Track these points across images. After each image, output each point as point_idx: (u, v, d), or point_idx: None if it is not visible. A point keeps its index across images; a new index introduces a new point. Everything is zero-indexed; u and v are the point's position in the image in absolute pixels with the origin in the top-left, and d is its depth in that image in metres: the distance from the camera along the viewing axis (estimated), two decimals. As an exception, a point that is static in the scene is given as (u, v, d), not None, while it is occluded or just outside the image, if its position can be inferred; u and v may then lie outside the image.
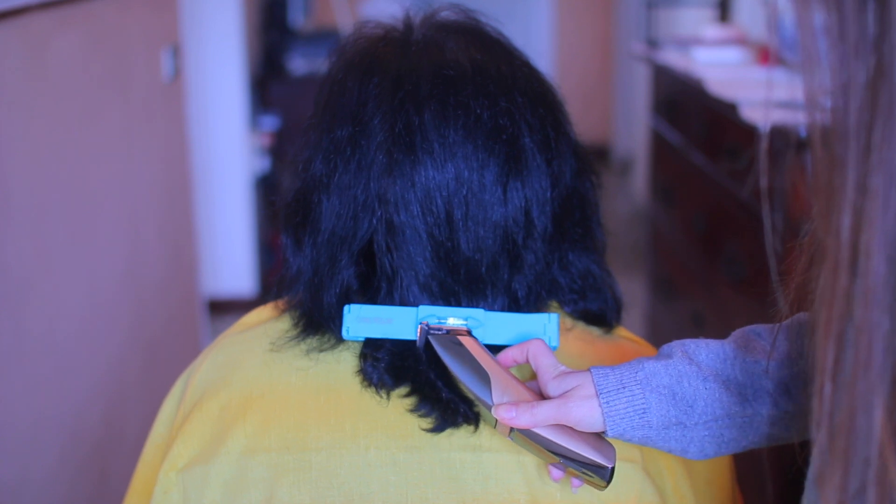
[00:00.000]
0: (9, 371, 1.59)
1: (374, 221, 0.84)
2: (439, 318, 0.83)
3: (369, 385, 0.84)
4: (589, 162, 0.91)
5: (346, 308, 0.84)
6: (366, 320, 0.84)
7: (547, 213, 0.86)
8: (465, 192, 0.83)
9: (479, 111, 0.83)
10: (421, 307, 0.83)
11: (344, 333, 0.84)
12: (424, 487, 0.81)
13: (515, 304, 0.86)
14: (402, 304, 0.84)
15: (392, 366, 0.84)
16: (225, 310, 3.72)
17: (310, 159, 0.88)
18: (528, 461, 0.82)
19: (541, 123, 0.86)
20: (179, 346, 2.62)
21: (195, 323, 2.80)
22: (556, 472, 0.80)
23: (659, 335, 2.95)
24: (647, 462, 0.85)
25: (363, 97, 0.85)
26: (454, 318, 0.83)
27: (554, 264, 0.88)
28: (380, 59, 0.87)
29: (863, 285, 0.54)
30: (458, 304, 0.84)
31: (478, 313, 0.83)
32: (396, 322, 0.83)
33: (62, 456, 1.80)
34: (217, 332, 3.24)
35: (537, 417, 0.76)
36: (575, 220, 0.90)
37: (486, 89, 0.84)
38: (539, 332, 0.84)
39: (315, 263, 0.87)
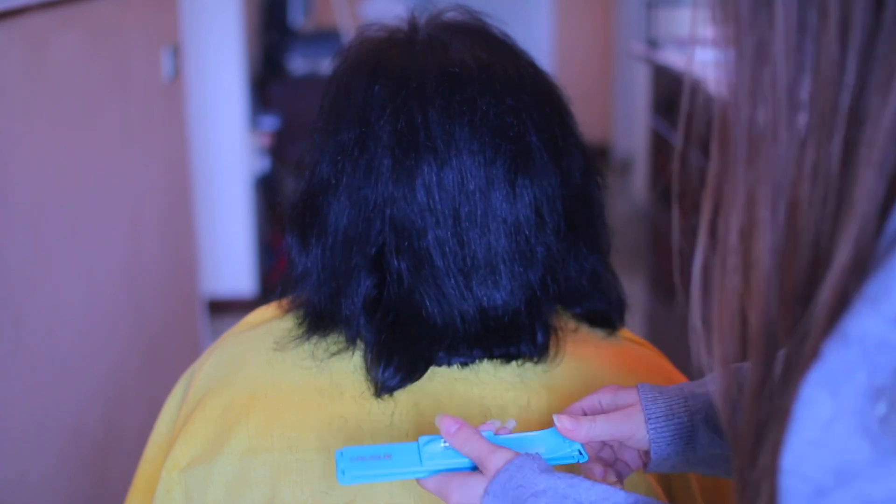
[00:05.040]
0: (9, 371, 1.59)
1: (385, 222, 0.84)
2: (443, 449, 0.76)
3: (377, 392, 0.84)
4: (594, 162, 0.91)
5: (337, 453, 0.76)
6: (361, 459, 0.75)
7: (558, 211, 0.85)
8: (472, 189, 0.83)
9: (484, 108, 0.83)
10: (421, 438, 0.77)
11: (339, 478, 0.74)
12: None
13: (534, 299, 0.85)
14: (415, 306, 0.83)
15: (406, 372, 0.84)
16: (225, 310, 3.71)
17: (316, 161, 0.87)
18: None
19: (547, 122, 0.86)
20: (179, 346, 2.61)
21: (195, 323, 2.80)
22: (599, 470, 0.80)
23: (659, 336, 2.95)
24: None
25: (369, 99, 0.85)
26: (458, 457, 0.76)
27: (570, 262, 0.88)
28: (385, 59, 0.87)
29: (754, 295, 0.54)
30: (475, 295, 0.83)
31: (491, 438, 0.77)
32: (396, 458, 0.76)
33: (62, 456, 1.80)
34: (217, 332, 3.24)
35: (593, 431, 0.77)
36: (582, 219, 0.89)
37: (492, 88, 0.84)
38: (568, 450, 0.79)
39: (330, 267, 0.86)
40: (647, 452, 0.79)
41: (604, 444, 0.80)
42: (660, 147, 3.10)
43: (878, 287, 0.48)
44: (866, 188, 0.49)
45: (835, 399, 0.48)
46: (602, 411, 0.80)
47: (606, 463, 0.80)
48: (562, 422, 0.76)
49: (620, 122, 6.19)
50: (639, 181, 5.27)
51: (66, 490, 1.81)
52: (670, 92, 2.94)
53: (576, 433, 0.76)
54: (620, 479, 0.80)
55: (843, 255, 0.50)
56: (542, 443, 0.77)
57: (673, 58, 2.91)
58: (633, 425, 0.77)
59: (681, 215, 0.62)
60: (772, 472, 0.51)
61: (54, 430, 1.78)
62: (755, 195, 0.53)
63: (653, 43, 3.40)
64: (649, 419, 0.77)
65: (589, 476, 0.79)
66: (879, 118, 0.49)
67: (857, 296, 0.48)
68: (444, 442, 0.75)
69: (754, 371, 0.55)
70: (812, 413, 0.48)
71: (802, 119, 0.52)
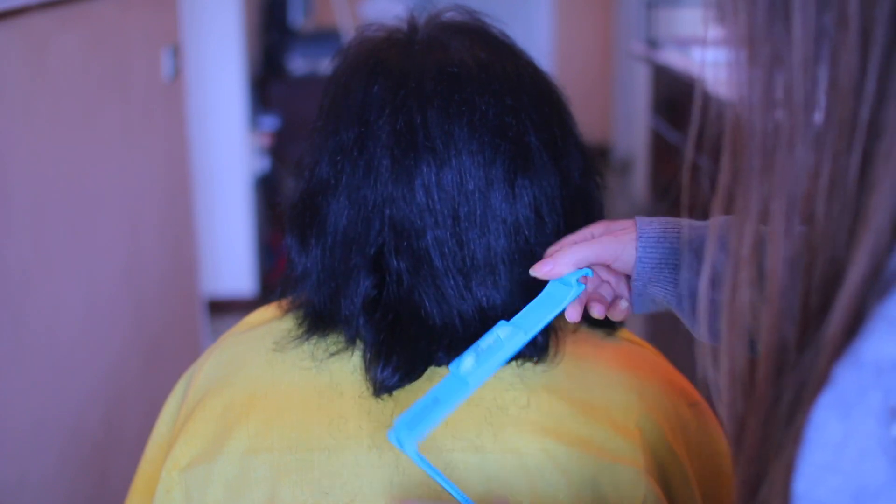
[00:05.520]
0: (9, 371, 1.59)
1: (385, 222, 0.84)
2: (477, 351, 0.77)
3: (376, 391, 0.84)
4: (594, 162, 0.91)
5: (392, 438, 0.75)
6: (414, 423, 0.74)
7: (558, 211, 0.86)
8: (471, 189, 0.83)
9: (484, 108, 0.83)
10: (451, 367, 0.77)
11: (411, 455, 0.75)
12: (427, 488, 0.81)
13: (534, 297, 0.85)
14: (414, 306, 0.83)
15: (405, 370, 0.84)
16: (225, 310, 3.72)
17: (315, 161, 0.87)
18: (531, 463, 0.82)
19: (546, 122, 0.86)
20: (179, 346, 2.61)
21: (195, 323, 2.80)
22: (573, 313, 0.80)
23: (659, 336, 2.95)
24: (651, 466, 0.85)
25: (368, 98, 0.85)
26: (487, 342, 0.77)
27: None
28: (383, 60, 0.87)
29: (768, 308, 0.53)
30: (474, 296, 0.83)
31: (503, 329, 0.79)
32: (442, 398, 0.76)
33: (62, 456, 1.80)
34: (217, 332, 3.24)
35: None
36: (582, 219, 0.89)
37: (492, 87, 0.84)
38: (566, 290, 0.80)
39: (329, 267, 0.86)
40: (629, 288, 0.80)
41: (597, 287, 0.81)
42: (660, 147, 3.10)
43: (895, 308, 0.47)
44: (883, 201, 0.49)
45: (845, 421, 0.47)
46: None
47: (595, 298, 0.82)
48: (537, 270, 0.77)
49: (620, 122, 6.19)
50: (639, 181, 5.27)
51: (66, 490, 1.82)
52: (670, 92, 2.94)
53: (557, 268, 0.77)
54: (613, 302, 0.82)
55: (858, 270, 0.49)
56: (542, 303, 0.79)
57: (673, 58, 2.91)
58: (620, 246, 0.78)
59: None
60: (784, 495, 0.50)
61: (54, 430, 1.78)
62: (769, 207, 0.52)
63: (653, 43, 3.40)
64: (641, 237, 0.77)
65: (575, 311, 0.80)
66: None
67: (873, 314, 0.47)
68: (471, 357, 0.76)
69: (763, 387, 0.55)
70: (823, 437, 0.48)
71: (819, 130, 0.51)
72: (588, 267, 0.81)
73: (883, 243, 0.49)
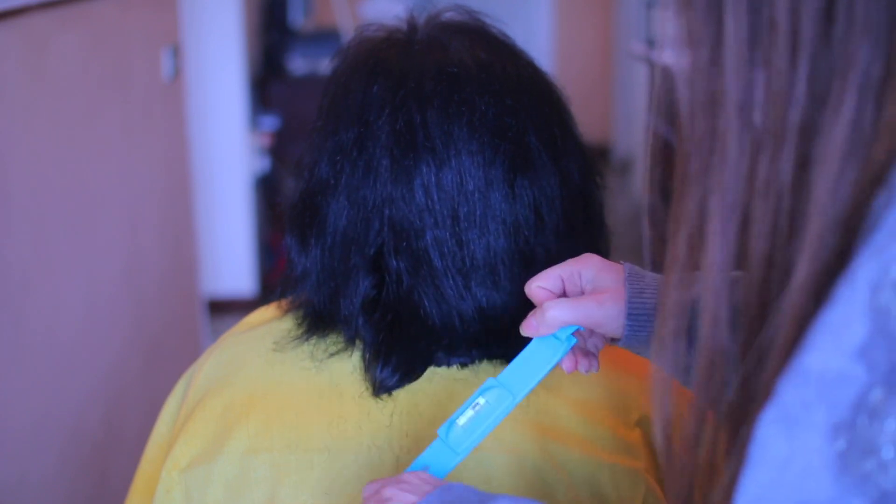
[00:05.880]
0: (9, 371, 1.59)
1: (384, 223, 0.84)
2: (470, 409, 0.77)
3: (375, 391, 0.84)
4: (593, 162, 0.91)
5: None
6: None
7: (557, 211, 0.85)
8: (471, 189, 0.83)
9: (483, 108, 0.83)
10: (439, 430, 0.76)
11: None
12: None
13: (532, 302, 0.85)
14: (413, 306, 0.83)
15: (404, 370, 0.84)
16: (225, 310, 3.72)
17: (315, 161, 0.87)
18: (529, 462, 0.82)
19: (546, 122, 0.86)
20: (179, 346, 2.61)
21: (195, 323, 2.80)
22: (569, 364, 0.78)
23: (659, 335, 2.94)
24: (651, 465, 0.85)
25: (367, 99, 0.85)
26: (480, 400, 0.77)
27: None
28: (383, 59, 0.87)
29: (702, 311, 0.52)
30: (474, 296, 0.83)
31: (491, 382, 0.78)
32: (432, 465, 0.76)
33: (62, 456, 1.80)
34: (217, 332, 3.24)
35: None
36: (582, 219, 0.89)
37: (491, 87, 0.84)
38: (556, 344, 0.78)
39: (329, 267, 0.86)
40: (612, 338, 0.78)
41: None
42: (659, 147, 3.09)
43: (837, 316, 0.46)
44: (821, 207, 0.48)
45: (791, 439, 0.46)
46: (579, 283, 0.78)
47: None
48: (525, 330, 0.76)
49: (620, 122, 6.19)
50: (639, 181, 5.27)
51: (66, 490, 1.82)
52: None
53: (543, 329, 0.75)
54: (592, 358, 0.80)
55: (799, 276, 0.48)
56: (531, 358, 0.77)
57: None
58: (605, 314, 0.74)
59: (651, 225, 0.60)
60: None
61: (54, 430, 1.78)
62: (706, 208, 0.52)
63: (653, 43, 3.40)
64: (630, 314, 0.74)
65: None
66: (831, 134, 0.48)
67: (815, 324, 0.47)
68: (460, 425, 0.75)
69: (697, 394, 0.54)
70: (767, 454, 0.47)
71: (755, 133, 0.51)
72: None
73: (825, 251, 0.48)
